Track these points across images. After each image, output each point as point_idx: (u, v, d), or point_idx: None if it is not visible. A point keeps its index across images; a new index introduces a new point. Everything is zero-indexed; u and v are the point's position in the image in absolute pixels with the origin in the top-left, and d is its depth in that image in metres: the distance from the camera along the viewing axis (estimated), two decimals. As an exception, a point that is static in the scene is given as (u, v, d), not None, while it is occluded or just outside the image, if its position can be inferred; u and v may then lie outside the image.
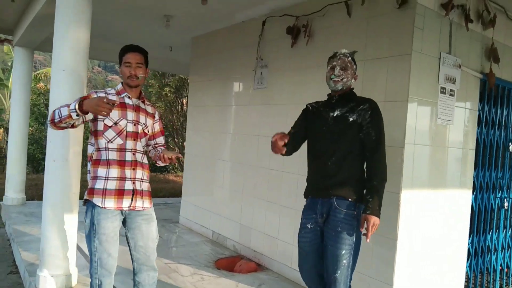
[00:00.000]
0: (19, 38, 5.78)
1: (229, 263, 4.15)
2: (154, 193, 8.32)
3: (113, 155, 2.31)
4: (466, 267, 3.50)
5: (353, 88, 2.46)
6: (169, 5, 4.36)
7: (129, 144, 2.35)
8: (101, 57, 8.87)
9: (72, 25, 3.10)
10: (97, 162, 2.32)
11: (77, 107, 2.09)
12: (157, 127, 2.56)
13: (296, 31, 3.73)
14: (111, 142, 2.30)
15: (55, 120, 2.17)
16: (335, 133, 2.34)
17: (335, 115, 2.37)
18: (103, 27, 5.44)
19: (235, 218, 4.56)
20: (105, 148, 2.30)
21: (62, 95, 3.02)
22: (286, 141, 2.14)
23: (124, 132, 2.33)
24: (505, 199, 3.89)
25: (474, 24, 3.22)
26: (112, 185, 2.29)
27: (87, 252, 2.43)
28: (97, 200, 2.27)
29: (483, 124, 3.55)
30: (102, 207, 2.27)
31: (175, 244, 4.71)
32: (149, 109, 2.50)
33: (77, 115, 2.10)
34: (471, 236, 3.57)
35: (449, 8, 2.85)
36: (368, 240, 2.27)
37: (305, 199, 2.51)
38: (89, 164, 2.37)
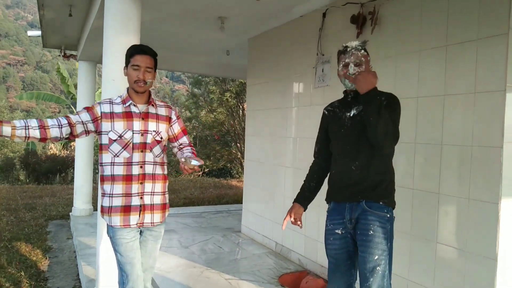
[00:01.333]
0: (81, 52, 5.95)
1: (295, 279, 3.80)
2: (217, 200, 8.28)
3: (119, 170, 2.16)
4: None
5: None
6: (222, 6, 4.16)
7: (137, 156, 2.18)
8: (161, 66, 9.00)
9: (120, 34, 2.99)
10: (102, 178, 2.21)
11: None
12: (177, 127, 2.35)
13: (362, 19, 3.31)
14: (117, 156, 2.16)
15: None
16: (354, 134, 2.12)
17: (351, 115, 2.15)
18: (157, 35, 5.40)
19: (299, 229, 4.20)
20: (111, 163, 2.17)
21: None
22: (300, 224, 2.29)
23: (131, 145, 2.17)
24: None
25: None
26: (117, 202, 2.18)
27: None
28: (106, 218, 2.22)
29: None
30: (111, 226, 2.21)
31: (236, 256, 4.47)
32: (162, 111, 2.29)
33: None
34: None
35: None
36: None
37: (327, 204, 2.30)
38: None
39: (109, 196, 2.18)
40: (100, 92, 7.00)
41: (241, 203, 5.56)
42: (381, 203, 2.09)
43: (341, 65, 2.15)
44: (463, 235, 2.56)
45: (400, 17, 3.06)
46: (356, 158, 2.11)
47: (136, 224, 2.21)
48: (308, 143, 4.11)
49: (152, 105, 2.25)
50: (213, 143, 14.30)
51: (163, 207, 2.31)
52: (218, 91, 12.74)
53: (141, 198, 2.21)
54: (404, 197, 2.96)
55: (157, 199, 2.27)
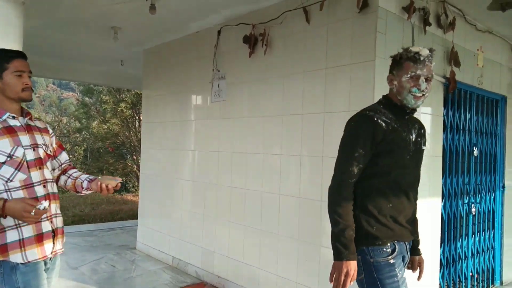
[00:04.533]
0: None
1: (192, 291, 3.82)
2: (111, 216, 7.84)
3: (18, 195, 1.80)
4: (439, 278, 3.38)
5: None
6: (115, 17, 4.04)
7: (35, 175, 1.86)
8: (46, 74, 8.30)
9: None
10: None
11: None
12: (54, 141, 2.08)
13: (254, 40, 3.52)
14: (11, 180, 1.79)
15: None
16: (414, 164, 1.88)
17: (413, 139, 1.85)
18: (43, 42, 5.03)
19: (196, 241, 4.24)
20: (5, 189, 1.78)
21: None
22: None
23: (25, 163, 1.83)
24: (472, 205, 3.83)
25: (435, 28, 3.14)
26: (28, 231, 1.81)
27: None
28: (15, 257, 1.77)
29: (448, 129, 3.48)
30: (26, 263, 1.78)
31: (130, 274, 4.31)
32: (39, 123, 2.02)
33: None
34: (442, 245, 3.46)
35: (411, 11, 2.74)
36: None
37: (380, 247, 1.76)
38: None
39: (16, 228, 1.79)
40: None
41: (137, 218, 5.38)
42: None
43: (408, 76, 1.75)
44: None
45: (287, 40, 3.33)
46: (416, 190, 1.92)
47: (52, 253, 1.90)
48: (206, 156, 4.19)
49: (29, 118, 1.97)
50: (107, 155, 13.51)
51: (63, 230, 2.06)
52: (112, 101, 12.14)
53: (51, 222, 1.91)
54: (293, 205, 3.20)
55: (60, 221, 2.00)
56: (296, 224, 3.18)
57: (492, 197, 4.17)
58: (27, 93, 1.88)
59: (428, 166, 3.18)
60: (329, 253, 2.94)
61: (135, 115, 12.31)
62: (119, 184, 1.93)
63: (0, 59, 1.86)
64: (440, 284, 3.41)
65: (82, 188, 2.03)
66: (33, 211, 1.68)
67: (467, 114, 3.72)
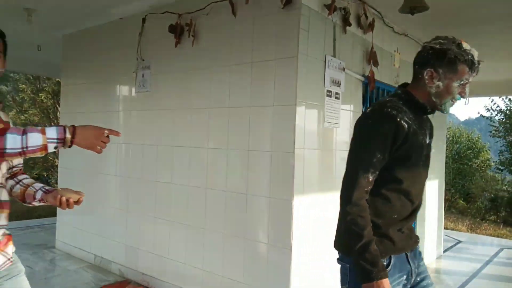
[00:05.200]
0: None
1: (114, 290, 3.66)
2: (28, 213, 7.28)
3: None
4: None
5: None
6: (29, -4, 3.72)
7: None
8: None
9: None
10: None
11: (68, 137, 1.38)
12: None
13: (180, 30, 3.43)
14: None
15: (6, 151, 1.29)
16: (427, 171, 1.68)
17: (427, 142, 1.64)
18: None
19: (119, 238, 4.07)
20: None
21: None
22: None
23: None
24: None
25: (355, 28, 3.29)
26: None
27: None
28: None
29: (366, 125, 3.66)
30: None
31: (48, 274, 4.03)
32: (3, 116, 1.73)
33: (55, 147, 1.37)
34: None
35: (332, 9, 2.84)
36: None
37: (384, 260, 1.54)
38: None
39: None
40: None
41: (56, 216, 5.04)
42: None
43: (461, 82, 1.52)
44: (267, 230, 2.91)
45: (214, 32, 3.29)
46: (421, 199, 1.66)
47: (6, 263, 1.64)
48: (131, 149, 4.02)
49: None
50: (25, 148, 12.51)
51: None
52: (30, 90, 11.26)
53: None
54: (219, 199, 3.19)
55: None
56: (222, 218, 3.17)
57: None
58: None
59: (345, 160, 3.33)
60: (254, 245, 3.00)
61: (57, 105, 11.54)
62: (82, 199, 1.67)
63: None
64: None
65: (34, 198, 1.69)
66: (106, 131, 1.46)
67: (384, 111, 3.94)
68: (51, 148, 1.33)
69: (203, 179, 3.33)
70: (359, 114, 3.44)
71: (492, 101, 15.87)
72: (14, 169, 1.79)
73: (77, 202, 1.65)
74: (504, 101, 13.22)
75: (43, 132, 1.31)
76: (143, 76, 3.91)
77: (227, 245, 3.14)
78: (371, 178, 1.48)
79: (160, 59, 3.75)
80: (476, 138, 15.06)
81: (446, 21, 3.78)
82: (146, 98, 3.88)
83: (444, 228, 6.49)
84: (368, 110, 1.61)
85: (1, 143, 1.25)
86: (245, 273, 3.03)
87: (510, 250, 6.05)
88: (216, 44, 3.27)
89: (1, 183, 1.63)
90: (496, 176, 14.46)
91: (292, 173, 2.76)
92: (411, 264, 1.62)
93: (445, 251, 5.61)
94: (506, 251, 5.94)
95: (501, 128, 13.42)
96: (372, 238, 1.44)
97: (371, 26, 3.33)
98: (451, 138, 14.80)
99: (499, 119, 13.45)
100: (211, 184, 3.27)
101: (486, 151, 14.89)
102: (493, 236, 8.34)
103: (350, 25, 3.13)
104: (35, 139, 1.29)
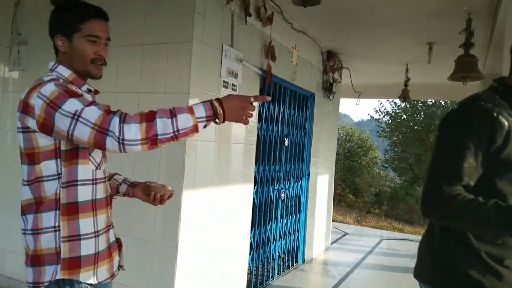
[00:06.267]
0: None
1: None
2: None
3: (101, 191, 1.36)
4: (249, 260, 3.55)
5: None
6: None
7: (106, 167, 1.44)
8: None
9: None
10: (72, 209, 1.28)
11: (220, 113, 1.21)
12: None
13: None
14: (99, 168, 1.36)
15: (158, 137, 1.16)
16: None
17: None
18: None
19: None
20: (92, 180, 1.32)
21: None
22: None
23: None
24: (282, 190, 4.16)
25: (254, 20, 3.23)
26: (103, 242, 1.36)
27: None
28: (86, 276, 1.29)
29: (263, 120, 3.66)
30: (95, 284, 1.32)
31: None
32: None
33: (205, 126, 1.22)
34: (253, 229, 3.65)
35: (229, -4, 2.73)
36: None
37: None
38: (32, 217, 1.28)
39: (94, 237, 1.32)
40: None
41: None
42: None
43: None
44: (154, 228, 2.71)
45: (104, 8, 2.96)
46: None
47: (118, 268, 1.49)
48: (0, 136, 3.48)
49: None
50: None
51: None
52: None
53: (113, 228, 1.50)
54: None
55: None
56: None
57: (299, 184, 4.63)
58: (96, 67, 1.41)
59: (243, 153, 3.29)
60: (140, 244, 2.76)
61: None
62: (173, 194, 1.53)
63: (74, 15, 1.37)
64: (249, 266, 3.59)
65: (117, 192, 1.59)
66: (252, 98, 1.25)
67: (281, 107, 4.00)
68: (200, 127, 1.21)
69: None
70: (256, 108, 3.42)
71: (380, 104, 17.37)
72: None
73: (170, 197, 1.53)
74: (391, 104, 14.63)
75: (192, 112, 1.19)
76: (18, 53, 3.41)
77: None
78: (465, 178, 1.18)
79: (41, 34, 3.27)
80: (366, 138, 16.45)
81: (341, 22, 3.92)
82: (22, 78, 3.40)
83: (334, 221, 6.91)
84: (456, 105, 1.30)
85: (152, 129, 1.15)
86: (127, 276, 2.79)
87: (388, 240, 6.66)
88: (112, 21, 2.95)
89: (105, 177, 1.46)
90: (381, 173, 15.98)
91: (182, 166, 2.60)
92: None
93: (332, 243, 5.95)
94: (385, 242, 6.51)
95: (387, 129, 14.83)
96: (479, 201, 1.14)
97: (270, 20, 3.31)
98: (344, 137, 15.95)
99: (385, 121, 14.85)
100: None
101: (374, 149, 16.37)
102: (376, 228, 9.15)
103: (250, 15, 3.06)
104: (185, 120, 1.18)
